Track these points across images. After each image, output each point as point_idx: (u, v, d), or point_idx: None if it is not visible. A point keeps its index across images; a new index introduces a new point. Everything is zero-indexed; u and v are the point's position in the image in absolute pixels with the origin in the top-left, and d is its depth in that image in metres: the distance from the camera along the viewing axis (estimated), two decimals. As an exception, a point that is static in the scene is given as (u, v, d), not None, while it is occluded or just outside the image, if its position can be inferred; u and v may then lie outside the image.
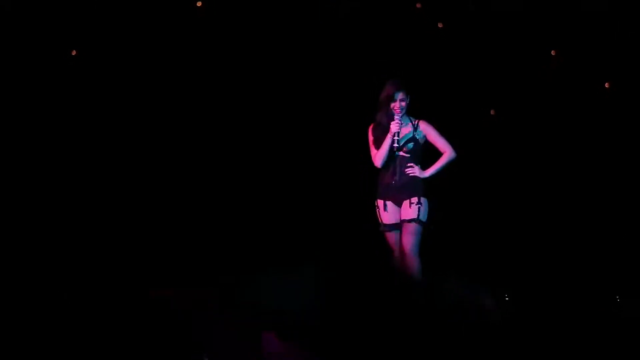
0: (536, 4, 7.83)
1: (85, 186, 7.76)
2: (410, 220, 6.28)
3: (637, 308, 6.95)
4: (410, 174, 6.36)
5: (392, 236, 6.41)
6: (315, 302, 3.89)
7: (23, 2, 7.60)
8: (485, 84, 7.99)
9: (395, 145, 6.32)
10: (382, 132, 6.38)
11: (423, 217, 6.30)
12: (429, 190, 6.37)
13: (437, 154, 6.46)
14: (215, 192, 7.93)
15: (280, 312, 4.14)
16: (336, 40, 7.91)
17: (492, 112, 8.03)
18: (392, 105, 6.33)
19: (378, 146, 6.40)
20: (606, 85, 7.83)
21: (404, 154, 6.38)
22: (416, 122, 6.43)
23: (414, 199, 6.31)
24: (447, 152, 6.43)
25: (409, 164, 6.37)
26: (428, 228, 6.32)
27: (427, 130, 6.42)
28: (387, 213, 6.40)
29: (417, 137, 6.41)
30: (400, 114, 6.31)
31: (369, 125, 6.51)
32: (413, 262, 6.23)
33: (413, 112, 6.42)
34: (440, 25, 7.89)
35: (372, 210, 6.50)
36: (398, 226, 6.37)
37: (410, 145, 6.38)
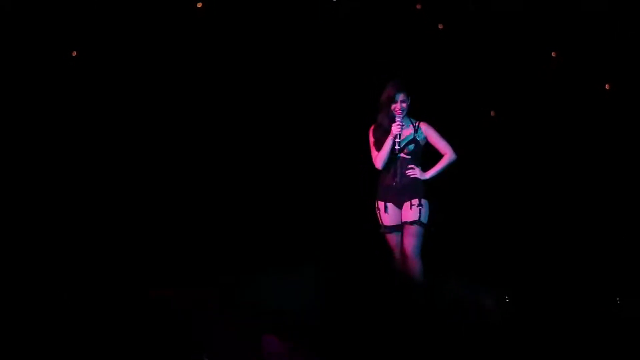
0: (536, 4, 7.82)
1: (85, 186, 7.76)
2: (411, 223, 6.28)
3: (637, 308, 6.95)
4: (411, 176, 6.36)
5: (392, 238, 6.41)
6: (315, 302, 3.89)
7: (24, 3, 7.59)
8: (485, 85, 7.99)
9: (397, 147, 6.31)
10: (382, 134, 6.37)
11: (424, 219, 6.30)
12: (429, 192, 6.37)
13: (437, 155, 6.46)
14: (216, 192, 7.93)
15: (280, 313, 4.14)
16: (336, 41, 7.90)
17: (492, 113, 8.03)
18: (393, 106, 6.32)
19: (379, 148, 6.39)
20: (607, 87, 7.82)
21: (405, 156, 6.37)
22: (417, 124, 6.42)
23: (415, 201, 6.31)
24: (448, 154, 6.42)
25: (409, 166, 6.37)
26: (429, 230, 6.32)
27: (428, 132, 6.42)
28: (388, 215, 6.40)
29: (418, 138, 6.40)
30: (401, 116, 6.31)
31: (370, 126, 6.51)
32: (415, 264, 6.23)
33: (413, 114, 6.42)
34: (440, 26, 7.89)
35: (372, 211, 6.49)
36: (399, 228, 6.37)
37: (411, 147, 6.37)
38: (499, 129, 8.04)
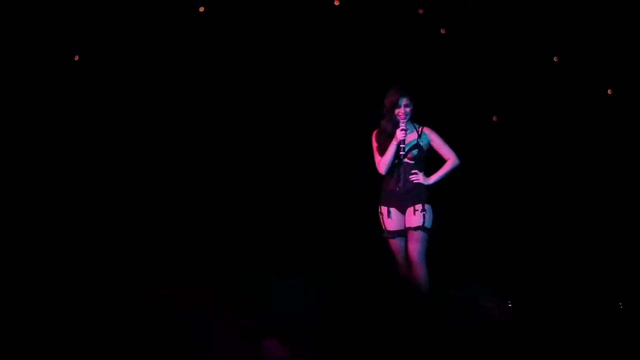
0: (537, 5, 7.82)
1: (85, 187, 7.76)
2: (415, 228, 6.26)
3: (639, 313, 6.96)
4: (415, 181, 6.34)
5: (395, 243, 6.39)
6: (316, 304, 3.89)
7: (26, 5, 7.60)
8: (487, 89, 7.98)
9: (402, 152, 6.29)
10: (386, 139, 6.35)
11: (428, 224, 6.27)
12: (433, 197, 6.36)
13: (439, 160, 6.44)
14: (216, 193, 7.93)
15: (281, 314, 4.13)
16: (339, 46, 7.90)
17: (494, 118, 8.02)
18: (397, 111, 6.30)
19: (382, 153, 6.37)
20: (609, 91, 7.82)
21: (409, 161, 6.35)
22: (420, 129, 6.40)
23: (418, 206, 6.29)
24: (451, 159, 6.41)
25: (413, 171, 6.35)
26: (433, 235, 6.30)
27: (432, 137, 6.40)
28: (391, 220, 6.37)
29: (422, 143, 6.38)
30: (405, 120, 6.28)
31: (372, 130, 6.49)
32: (420, 269, 6.22)
33: (416, 118, 6.40)
34: (443, 31, 7.88)
35: (375, 215, 6.48)
36: (402, 233, 6.35)
37: (415, 152, 6.35)
38: (501, 133, 8.03)
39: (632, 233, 7.82)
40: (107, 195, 7.78)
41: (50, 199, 7.67)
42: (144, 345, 4.08)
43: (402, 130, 6.26)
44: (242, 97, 7.97)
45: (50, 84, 7.72)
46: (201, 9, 7.78)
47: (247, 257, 7.47)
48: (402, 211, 6.35)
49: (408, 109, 6.30)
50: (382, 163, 6.38)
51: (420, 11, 7.88)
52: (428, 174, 6.38)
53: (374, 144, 6.44)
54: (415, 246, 6.26)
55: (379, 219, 6.43)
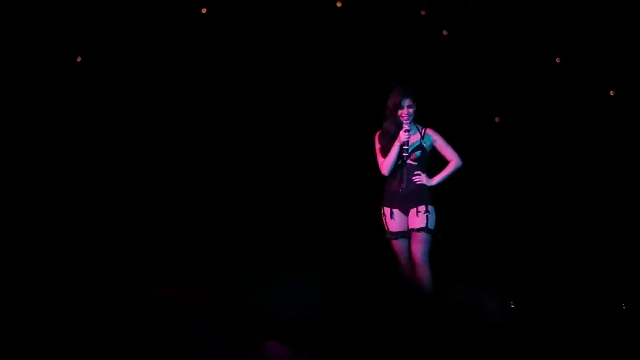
0: (538, 4, 7.82)
1: (85, 187, 7.76)
2: (419, 230, 6.25)
3: None
4: (418, 182, 6.33)
5: (398, 244, 6.37)
6: (317, 305, 3.89)
7: (29, 7, 7.61)
8: (489, 91, 7.98)
9: (405, 154, 6.28)
10: (389, 140, 6.34)
11: (431, 226, 6.27)
12: (435, 198, 6.35)
13: (441, 161, 6.44)
14: (216, 193, 7.92)
15: (281, 315, 4.14)
16: (341, 48, 7.90)
17: (497, 119, 8.02)
18: (400, 112, 6.29)
19: (385, 154, 6.35)
20: (611, 93, 7.82)
21: (412, 162, 6.33)
22: (423, 130, 6.39)
23: (422, 208, 6.28)
24: (454, 161, 6.39)
25: (416, 172, 6.34)
26: (436, 236, 6.30)
27: (435, 139, 6.39)
28: (394, 221, 6.36)
29: (425, 145, 6.36)
30: (408, 122, 6.27)
31: (374, 131, 6.49)
32: (423, 270, 6.21)
33: (419, 120, 6.39)
34: (445, 32, 7.88)
35: (377, 216, 6.47)
36: (405, 234, 6.34)
37: (418, 153, 6.33)
38: (503, 134, 8.03)
39: (634, 233, 7.82)
40: (108, 195, 7.78)
41: (50, 199, 7.67)
42: (144, 345, 4.08)
43: (405, 131, 6.25)
44: (243, 97, 7.97)
45: (53, 84, 7.72)
46: (204, 10, 7.78)
47: (247, 257, 7.47)
48: (405, 212, 6.34)
49: (411, 110, 6.28)
50: (385, 164, 6.37)
51: (423, 12, 7.88)
52: (430, 175, 6.38)
53: (377, 145, 6.43)
54: (419, 247, 6.25)
55: (382, 220, 6.42)
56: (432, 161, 6.44)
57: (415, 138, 6.33)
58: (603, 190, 7.92)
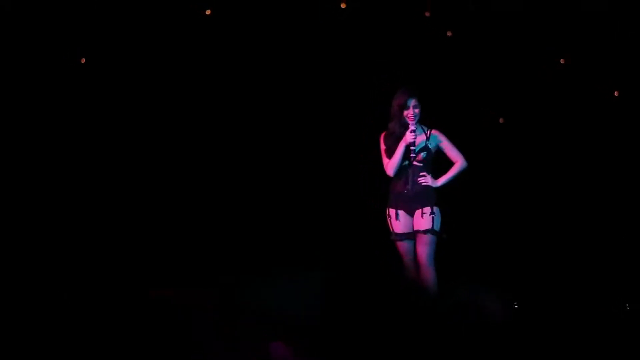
0: (538, 4, 7.82)
1: (85, 186, 7.76)
2: (425, 231, 6.24)
3: None
4: (423, 183, 6.32)
5: (403, 245, 6.36)
6: (318, 306, 3.88)
7: (32, 8, 7.61)
8: (493, 92, 7.97)
9: (412, 155, 6.27)
10: (394, 141, 6.33)
11: (437, 227, 6.26)
12: (440, 199, 6.34)
13: (446, 162, 6.43)
14: (216, 193, 7.92)
15: (282, 315, 4.13)
16: (344, 49, 7.89)
17: (501, 120, 8.01)
18: (405, 112, 6.27)
19: (390, 155, 6.34)
20: (615, 93, 7.81)
21: (417, 163, 6.33)
22: (429, 132, 6.39)
23: (427, 209, 6.27)
24: (459, 162, 6.39)
25: (421, 173, 6.33)
26: (441, 237, 6.29)
27: (440, 140, 6.38)
28: (399, 222, 6.35)
29: (430, 146, 6.36)
30: (414, 122, 6.26)
31: (378, 132, 6.48)
32: (429, 272, 6.21)
33: (423, 121, 6.38)
34: (449, 33, 7.87)
35: (381, 217, 6.47)
36: (410, 236, 6.33)
37: (424, 154, 6.33)
38: (507, 135, 8.02)
39: (637, 233, 7.82)
40: (108, 195, 7.78)
41: (51, 199, 7.67)
42: (144, 345, 4.08)
43: (411, 131, 6.24)
44: (246, 97, 7.97)
45: (56, 85, 7.72)
46: (208, 12, 7.78)
47: (247, 257, 7.47)
48: (410, 213, 6.33)
49: (417, 110, 6.27)
50: (391, 165, 6.35)
51: (427, 14, 7.87)
52: (435, 177, 6.37)
53: (382, 147, 6.42)
54: (424, 249, 6.24)
55: (387, 221, 6.41)
56: (435, 162, 6.43)
57: (420, 139, 6.32)
58: (607, 191, 7.92)
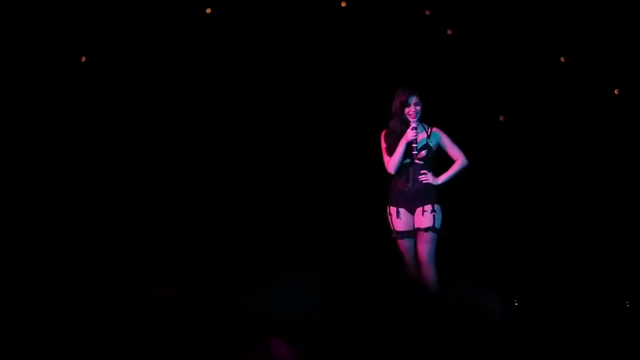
0: (538, 4, 7.82)
1: (85, 186, 7.76)
2: (426, 229, 6.24)
3: None
4: (424, 181, 6.32)
5: (404, 243, 6.36)
6: (318, 306, 3.88)
7: (33, 7, 7.61)
8: (493, 90, 7.97)
9: (414, 152, 6.27)
10: (395, 139, 6.33)
11: (438, 225, 6.26)
12: (441, 197, 6.35)
13: (446, 160, 6.43)
14: (216, 193, 7.92)
15: (282, 315, 4.13)
16: (344, 47, 7.89)
17: (501, 118, 8.01)
18: (407, 110, 6.28)
19: (391, 153, 6.35)
20: (616, 91, 7.81)
21: (418, 161, 6.33)
22: (430, 129, 6.39)
23: (428, 207, 6.27)
24: (460, 160, 6.40)
25: (422, 171, 6.33)
26: (442, 235, 6.29)
27: (441, 138, 6.39)
28: (400, 220, 6.35)
29: (431, 144, 6.36)
30: (415, 120, 6.26)
31: (378, 130, 6.48)
32: (429, 270, 6.21)
33: (423, 119, 6.38)
34: (449, 31, 7.88)
35: (379, 216, 6.47)
36: (410, 234, 6.33)
37: (425, 152, 6.34)
38: (508, 133, 8.03)
39: (638, 232, 7.82)
40: (108, 195, 7.78)
41: (51, 199, 7.67)
42: (144, 345, 4.07)
43: (412, 129, 6.24)
44: (245, 97, 7.97)
45: (56, 84, 7.72)
46: (208, 10, 7.78)
47: (247, 257, 7.46)
48: (411, 211, 6.33)
49: (418, 107, 6.28)
50: (392, 163, 6.35)
51: (427, 12, 7.87)
52: (435, 175, 6.37)
53: (383, 145, 6.42)
54: (425, 247, 6.24)
55: (387, 219, 6.40)
56: (436, 160, 6.44)
57: (421, 137, 6.33)
58: (607, 189, 7.92)
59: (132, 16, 7.75)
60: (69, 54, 7.71)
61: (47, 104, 7.72)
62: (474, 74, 7.93)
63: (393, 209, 6.37)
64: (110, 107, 7.83)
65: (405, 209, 6.34)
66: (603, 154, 7.95)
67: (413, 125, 6.24)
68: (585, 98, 7.95)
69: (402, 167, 6.35)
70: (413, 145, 6.26)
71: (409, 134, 6.24)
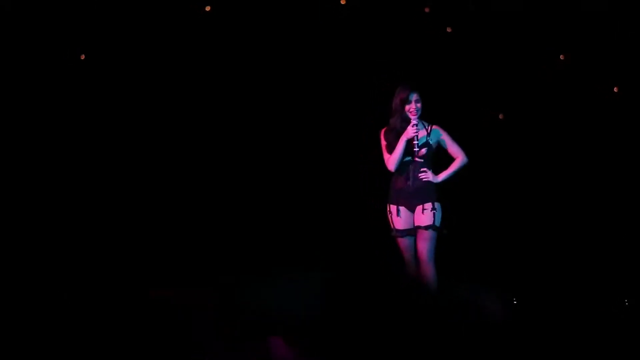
0: (539, 4, 7.83)
1: (85, 186, 7.76)
2: (426, 227, 6.23)
3: None
4: (424, 179, 6.32)
5: (404, 241, 6.35)
6: (318, 305, 3.88)
7: (32, 5, 7.62)
8: (493, 88, 7.97)
9: (415, 149, 6.27)
10: (395, 137, 6.32)
11: (438, 223, 6.26)
12: (441, 195, 6.34)
13: (446, 158, 6.43)
14: (216, 193, 7.92)
15: (282, 315, 4.13)
16: (343, 45, 7.89)
17: (500, 116, 8.01)
18: (407, 107, 6.26)
19: (391, 151, 6.34)
20: (615, 89, 7.82)
21: (418, 159, 6.32)
22: (430, 127, 6.38)
23: (428, 205, 6.26)
24: (460, 157, 6.39)
25: (422, 169, 6.33)
26: (441, 233, 6.29)
27: (441, 135, 6.38)
28: (400, 218, 6.34)
29: (431, 142, 6.35)
30: (416, 117, 6.25)
31: (378, 129, 6.47)
32: (429, 268, 6.19)
33: (423, 117, 6.38)
34: (449, 29, 7.87)
35: (379, 215, 6.46)
36: (411, 232, 6.31)
37: (425, 149, 6.33)
38: (507, 131, 8.03)
39: (636, 230, 7.82)
40: (108, 195, 7.78)
41: (51, 199, 7.67)
42: (144, 345, 4.08)
43: (413, 126, 6.23)
44: (245, 96, 7.97)
45: (55, 82, 7.72)
46: (207, 8, 7.78)
47: (247, 257, 7.47)
48: (411, 209, 6.32)
49: (419, 105, 6.26)
50: (392, 160, 6.34)
51: (427, 10, 7.87)
52: (435, 172, 6.37)
53: (383, 142, 6.41)
54: (425, 245, 6.23)
55: (387, 217, 6.40)
56: (436, 158, 6.44)
57: (421, 134, 6.32)
58: (606, 188, 7.93)
59: (132, 14, 7.74)
60: (68, 52, 7.71)
61: (46, 103, 7.71)
62: (474, 72, 7.92)
63: (393, 207, 6.37)
64: (109, 106, 7.82)
65: (405, 206, 6.33)
66: (602, 153, 7.95)
67: (414, 122, 6.23)
68: (584, 97, 7.95)
69: (402, 165, 6.34)
70: (414, 142, 6.25)
71: (410, 131, 6.23)
